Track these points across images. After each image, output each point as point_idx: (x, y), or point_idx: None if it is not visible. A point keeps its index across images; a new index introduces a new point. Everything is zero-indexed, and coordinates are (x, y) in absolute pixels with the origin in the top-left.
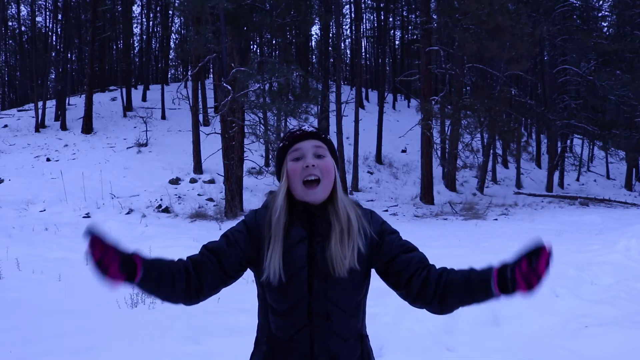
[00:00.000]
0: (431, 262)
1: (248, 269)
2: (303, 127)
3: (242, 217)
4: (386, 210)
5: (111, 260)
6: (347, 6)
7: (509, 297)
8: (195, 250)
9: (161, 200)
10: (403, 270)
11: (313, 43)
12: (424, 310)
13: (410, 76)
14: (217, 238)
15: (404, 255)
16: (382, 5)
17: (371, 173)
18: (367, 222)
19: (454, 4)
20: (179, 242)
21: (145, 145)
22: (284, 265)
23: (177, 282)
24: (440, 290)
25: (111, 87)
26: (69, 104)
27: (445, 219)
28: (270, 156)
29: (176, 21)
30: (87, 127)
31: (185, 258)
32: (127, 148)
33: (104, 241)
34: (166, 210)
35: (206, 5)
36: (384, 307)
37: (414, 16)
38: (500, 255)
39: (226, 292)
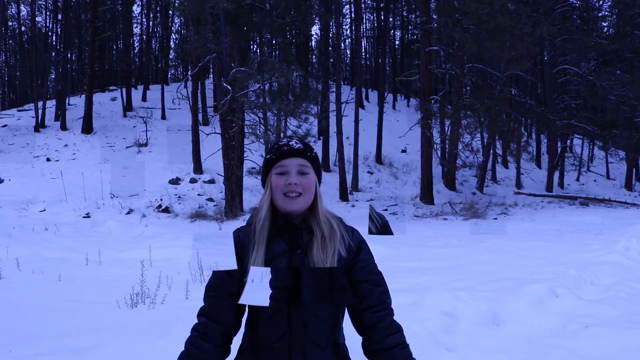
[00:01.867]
0: (431, 261)
1: None
2: (291, 143)
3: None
4: (386, 210)
5: None
6: (347, 6)
7: None
8: (194, 251)
9: (161, 200)
10: (362, 299)
11: (313, 43)
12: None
13: (410, 76)
14: (217, 238)
15: (367, 285)
16: (382, 5)
17: (371, 173)
18: (348, 235)
19: (453, 4)
20: (178, 242)
21: (145, 145)
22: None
23: (217, 357)
24: (368, 345)
25: (111, 87)
26: (68, 104)
27: (445, 219)
28: None
29: (176, 21)
30: (87, 127)
31: (197, 325)
32: (127, 148)
33: None
34: (166, 210)
35: (206, 5)
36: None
37: (414, 16)
38: (500, 255)
39: None
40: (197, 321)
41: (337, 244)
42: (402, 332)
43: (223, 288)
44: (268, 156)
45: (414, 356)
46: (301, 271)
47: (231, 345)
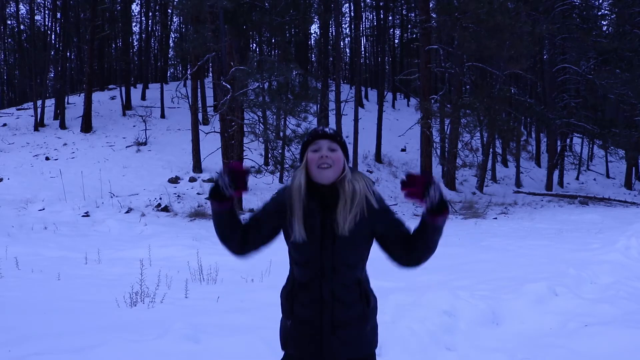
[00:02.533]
0: (431, 260)
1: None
2: (325, 129)
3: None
4: None
5: (238, 188)
6: (347, 5)
7: (432, 216)
8: (194, 250)
9: (160, 199)
10: (393, 241)
11: (312, 42)
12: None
13: (409, 75)
14: (216, 238)
15: (397, 229)
16: (381, 3)
17: (371, 172)
18: (373, 195)
19: (453, 3)
20: (178, 241)
21: (145, 144)
22: (305, 229)
23: (236, 230)
24: (407, 248)
25: (110, 86)
26: (68, 103)
27: None
28: (270, 155)
29: (175, 20)
30: (87, 126)
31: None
32: (127, 147)
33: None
34: (165, 209)
35: (205, 4)
36: (383, 306)
37: (413, 15)
38: (500, 254)
39: (226, 292)
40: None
41: (357, 206)
42: None
43: (256, 217)
44: (305, 139)
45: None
46: (327, 227)
47: (243, 252)
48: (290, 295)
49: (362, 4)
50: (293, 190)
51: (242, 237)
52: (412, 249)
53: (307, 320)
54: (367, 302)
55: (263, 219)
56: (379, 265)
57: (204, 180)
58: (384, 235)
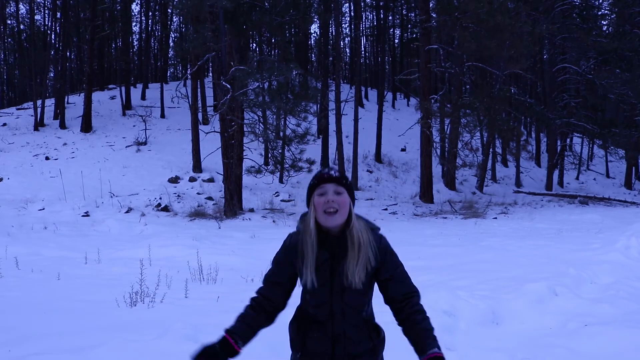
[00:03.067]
0: (431, 260)
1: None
2: (330, 172)
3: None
4: (385, 209)
5: None
6: (347, 4)
7: None
8: (194, 250)
9: (160, 199)
10: (391, 292)
11: (312, 41)
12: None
13: (409, 75)
14: (216, 237)
15: (393, 282)
16: (381, 3)
17: (370, 172)
18: (376, 243)
19: (453, 3)
20: (178, 240)
21: (145, 144)
22: (316, 278)
23: (265, 322)
24: (400, 322)
25: (110, 86)
26: (68, 103)
27: (445, 218)
28: (270, 155)
29: (175, 20)
30: (86, 126)
31: (255, 297)
32: (126, 147)
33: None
34: (165, 209)
35: (205, 3)
36: (383, 307)
37: (413, 15)
38: (500, 254)
39: (226, 291)
40: (253, 295)
41: (365, 258)
42: (425, 320)
43: (275, 277)
44: (311, 182)
45: (437, 340)
46: (337, 276)
47: (276, 318)
48: (301, 330)
49: (362, 4)
50: (305, 239)
51: (274, 311)
52: (398, 317)
53: (319, 353)
54: (377, 335)
55: (279, 275)
56: None
57: (203, 180)
58: (384, 282)
